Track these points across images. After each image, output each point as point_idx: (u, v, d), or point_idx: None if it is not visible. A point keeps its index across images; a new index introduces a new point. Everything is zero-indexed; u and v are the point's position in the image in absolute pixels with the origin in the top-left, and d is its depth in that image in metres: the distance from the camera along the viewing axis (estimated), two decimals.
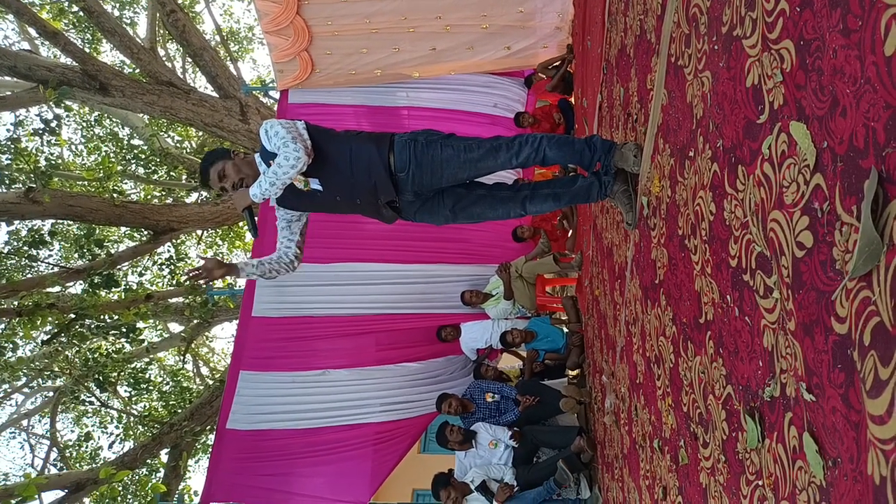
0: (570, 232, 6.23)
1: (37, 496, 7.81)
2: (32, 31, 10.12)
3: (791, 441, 1.12)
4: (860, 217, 0.86)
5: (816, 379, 1.01)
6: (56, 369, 9.52)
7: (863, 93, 0.88)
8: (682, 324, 1.85)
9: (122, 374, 9.72)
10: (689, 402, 1.78)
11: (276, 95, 6.69)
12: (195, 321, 9.64)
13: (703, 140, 1.62)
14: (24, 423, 12.77)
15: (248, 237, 11.74)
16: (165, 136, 11.81)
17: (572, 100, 6.32)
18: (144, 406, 11.48)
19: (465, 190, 2.72)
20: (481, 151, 2.56)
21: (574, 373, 5.27)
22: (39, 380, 10.58)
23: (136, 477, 10.40)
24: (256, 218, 2.79)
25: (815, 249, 1.02)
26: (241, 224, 10.58)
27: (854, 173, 0.90)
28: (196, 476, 16.15)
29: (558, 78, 6.15)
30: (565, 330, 5.68)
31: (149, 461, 9.68)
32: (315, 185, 2.65)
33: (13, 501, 4.68)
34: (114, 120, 11.90)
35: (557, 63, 6.17)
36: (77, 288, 9.88)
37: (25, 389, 11.94)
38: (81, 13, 9.21)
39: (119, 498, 10.31)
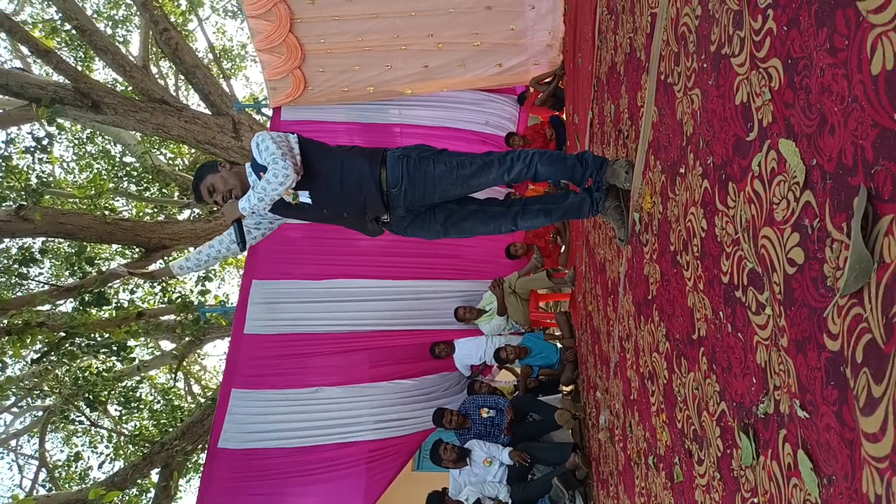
0: (563, 248, 6.24)
1: None
2: (25, 50, 10.12)
3: (786, 458, 1.11)
4: (850, 234, 0.87)
5: (810, 396, 1.01)
6: (46, 388, 9.42)
7: (850, 111, 0.89)
8: (675, 340, 1.85)
9: (113, 392, 9.63)
10: (683, 419, 1.77)
11: (269, 112, 6.71)
12: (187, 339, 9.57)
13: (694, 157, 1.63)
14: (13, 443, 12.61)
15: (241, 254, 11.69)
16: (157, 153, 11.80)
17: (564, 116, 6.36)
18: (135, 425, 11.35)
19: (457, 205, 2.73)
20: (474, 168, 2.58)
21: (568, 389, 5.26)
22: (29, 399, 10.47)
23: (127, 497, 10.25)
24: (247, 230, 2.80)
25: (807, 266, 1.02)
26: None
27: (843, 190, 0.91)
28: (187, 496, 15.96)
29: (548, 93, 6.19)
30: (559, 345, 5.67)
31: (139, 481, 9.54)
32: (304, 198, 2.65)
33: None
34: (106, 137, 11.89)
35: (549, 78, 6.22)
36: (67, 306, 9.81)
37: (14, 409, 11.79)
38: (74, 31, 9.22)
39: None
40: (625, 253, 2.64)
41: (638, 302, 2.39)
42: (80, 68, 10.07)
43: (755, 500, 1.26)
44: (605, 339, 3.34)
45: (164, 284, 10.72)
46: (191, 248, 10.92)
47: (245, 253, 5.46)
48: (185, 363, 11.70)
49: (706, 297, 1.54)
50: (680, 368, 1.80)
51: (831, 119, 0.94)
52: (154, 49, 10.85)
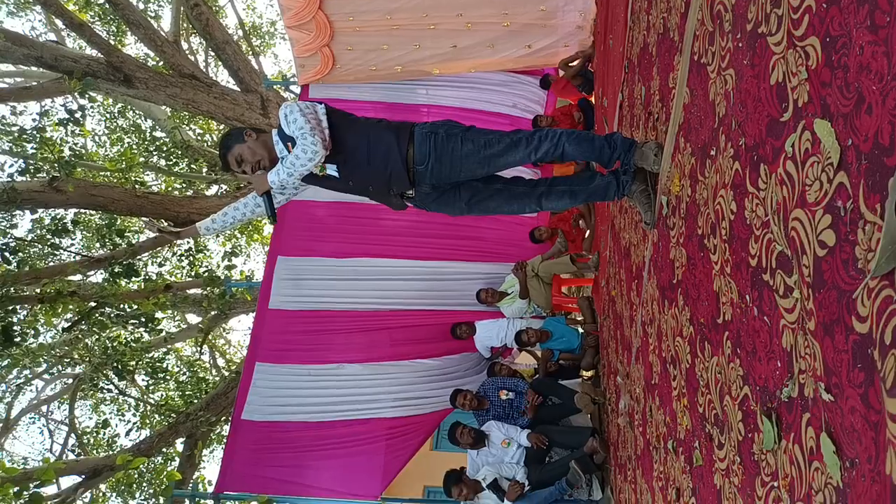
0: (588, 232, 6.20)
1: (55, 481, 7.93)
2: (59, 23, 10.26)
3: (808, 442, 1.11)
4: (884, 215, 0.85)
5: (835, 379, 1.00)
6: (76, 356, 9.66)
7: (889, 90, 0.87)
8: (699, 324, 1.84)
9: (141, 363, 9.85)
10: (704, 403, 1.77)
11: (297, 90, 6.72)
12: (213, 312, 9.73)
13: (726, 138, 1.61)
14: (44, 408, 12.99)
15: (267, 229, 11.82)
16: (187, 128, 11.93)
17: (592, 99, 6.28)
18: (161, 395, 11.61)
19: (483, 184, 2.72)
20: (501, 146, 2.56)
21: (589, 374, 5.25)
22: (59, 366, 10.74)
23: (152, 465, 10.53)
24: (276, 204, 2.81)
25: (838, 248, 1.01)
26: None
27: (879, 171, 0.89)
28: (210, 466, 16.36)
29: (573, 72, 6.11)
30: (580, 330, 5.66)
31: (164, 450, 9.80)
32: (331, 171, 2.66)
33: (32, 485, 4.78)
34: (136, 112, 12.04)
35: (577, 60, 6.14)
36: (98, 277, 10.03)
37: (45, 376, 12.13)
38: (107, 5, 9.32)
39: (134, 485, 10.45)
40: (651, 237, 2.61)
41: (662, 286, 2.38)
42: (112, 42, 10.18)
43: (775, 484, 1.25)
44: (628, 324, 3.33)
45: (192, 258, 10.88)
46: None
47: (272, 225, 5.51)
48: (210, 336, 11.91)
49: (733, 280, 1.53)
50: (703, 353, 1.79)
51: (869, 98, 0.92)
52: (185, 24, 10.92)
